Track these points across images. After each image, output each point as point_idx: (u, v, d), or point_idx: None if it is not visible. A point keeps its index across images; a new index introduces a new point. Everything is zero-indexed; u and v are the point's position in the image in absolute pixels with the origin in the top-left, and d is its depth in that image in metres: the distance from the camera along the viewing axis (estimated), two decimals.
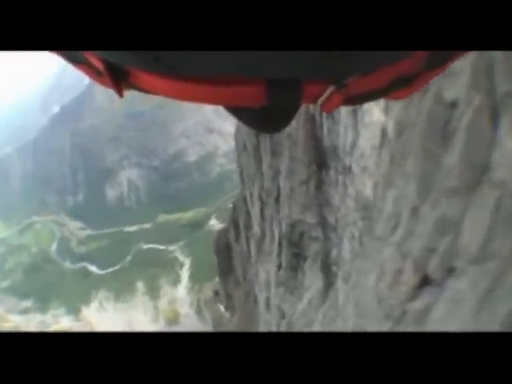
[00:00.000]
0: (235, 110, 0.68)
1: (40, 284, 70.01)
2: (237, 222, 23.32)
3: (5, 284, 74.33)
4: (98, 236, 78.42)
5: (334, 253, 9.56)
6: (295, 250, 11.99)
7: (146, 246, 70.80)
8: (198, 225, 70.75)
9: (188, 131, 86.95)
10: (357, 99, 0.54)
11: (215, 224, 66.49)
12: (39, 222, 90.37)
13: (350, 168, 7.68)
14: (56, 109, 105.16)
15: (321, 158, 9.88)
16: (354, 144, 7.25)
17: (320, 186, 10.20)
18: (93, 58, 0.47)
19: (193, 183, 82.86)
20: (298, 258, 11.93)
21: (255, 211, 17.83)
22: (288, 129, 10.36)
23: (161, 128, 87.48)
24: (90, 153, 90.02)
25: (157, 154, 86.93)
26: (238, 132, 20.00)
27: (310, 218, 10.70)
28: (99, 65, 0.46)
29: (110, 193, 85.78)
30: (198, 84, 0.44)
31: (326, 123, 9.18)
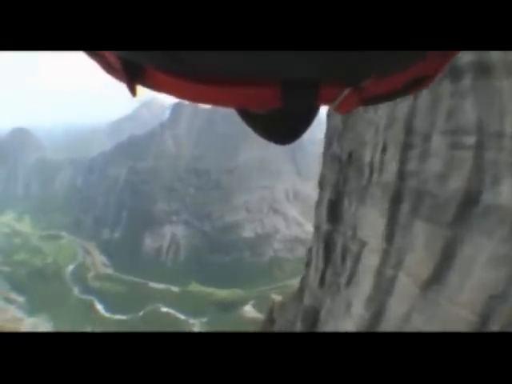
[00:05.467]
0: (249, 118, 0.66)
1: (39, 291, 65.32)
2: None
3: (6, 269, 71.85)
4: (118, 279, 71.76)
5: None
6: None
7: (165, 309, 63.42)
8: (230, 306, 62.68)
9: (251, 205, 79.83)
10: (373, 100, 0.54)
11: (250, 311, 59.79)
12: (66, 238, 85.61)
13: None
14: (124, 137, 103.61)
15: None
16: None
17: None
18: (110, 54, 0.47)
19: (240, 261, 74.34)
20: None
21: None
22: None
23: (223, 193, 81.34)
24: (141, 195, 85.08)
25: (211, 219, 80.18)
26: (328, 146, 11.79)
27: None
28: (116, 62, 0.46)
29: (149, 242, 78.98)
30: (213, 85, 0.44)
31: None
